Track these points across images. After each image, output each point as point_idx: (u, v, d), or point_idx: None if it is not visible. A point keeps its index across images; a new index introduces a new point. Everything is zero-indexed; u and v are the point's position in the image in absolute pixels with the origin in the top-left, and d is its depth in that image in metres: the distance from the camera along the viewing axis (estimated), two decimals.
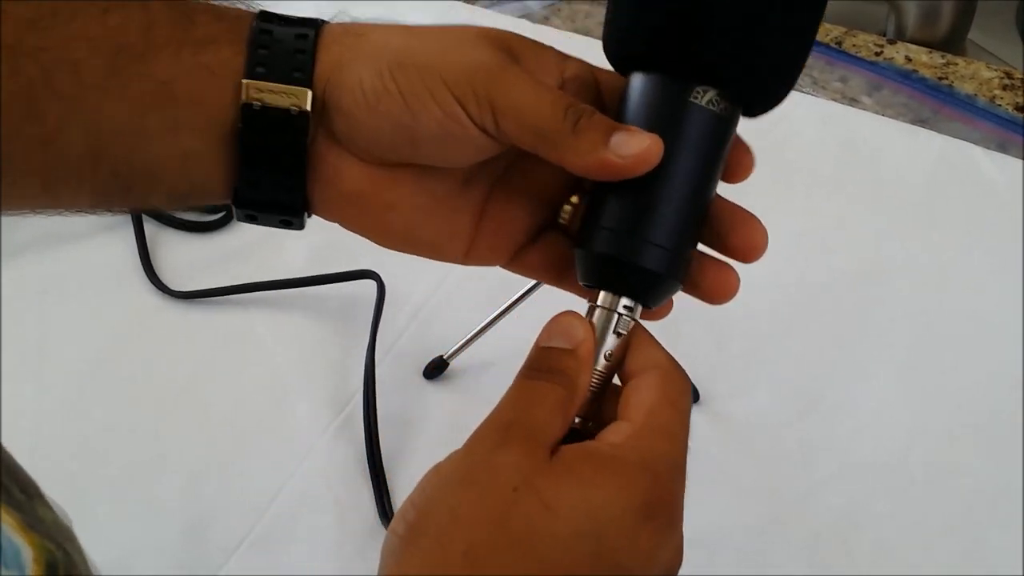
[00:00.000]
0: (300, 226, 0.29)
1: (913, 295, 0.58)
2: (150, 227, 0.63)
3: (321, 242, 0.61)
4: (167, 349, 0.56)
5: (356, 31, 0.28)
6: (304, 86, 0.26)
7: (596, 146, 0.26)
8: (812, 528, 0.47)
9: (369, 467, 0.49)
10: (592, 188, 0.28)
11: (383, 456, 0.50)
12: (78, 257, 0.62)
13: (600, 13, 0.82)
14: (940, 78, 0.75)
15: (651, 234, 0.27)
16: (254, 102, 0.26)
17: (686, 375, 0.27)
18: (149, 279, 0.60)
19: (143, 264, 0.60)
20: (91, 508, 0.49)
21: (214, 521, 0.48)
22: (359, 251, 0.61)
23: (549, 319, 0.27)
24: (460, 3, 0.84)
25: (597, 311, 0.28)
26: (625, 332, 0.27)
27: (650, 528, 0.24)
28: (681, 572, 0.46)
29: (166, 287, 0.59)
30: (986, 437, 0.50)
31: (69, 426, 0.52)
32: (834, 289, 0.58)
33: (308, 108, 0.26)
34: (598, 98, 0.29)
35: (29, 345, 0.56)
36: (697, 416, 0.52)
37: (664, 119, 0.27)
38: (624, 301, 0.27)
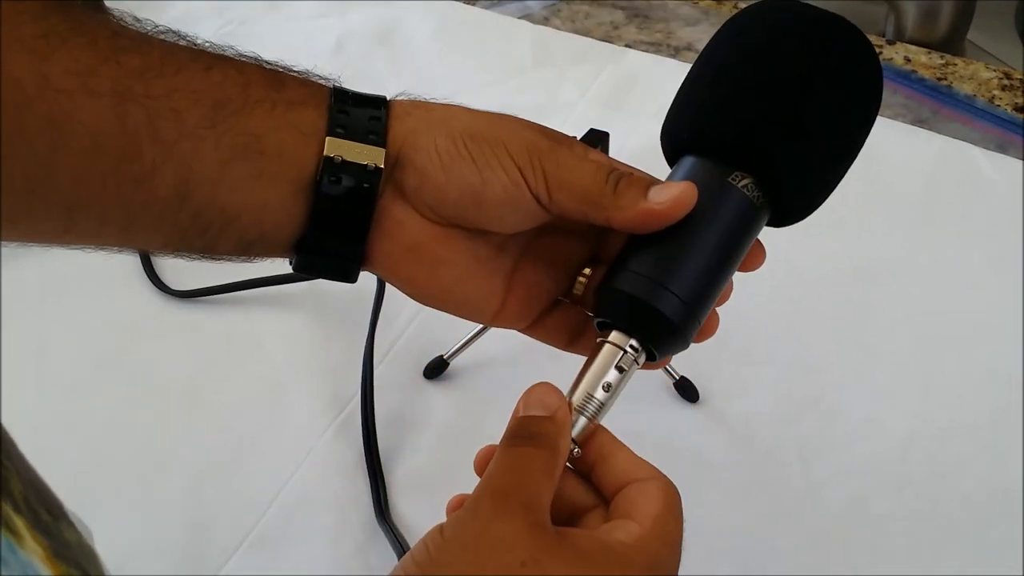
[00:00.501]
0: (354, 278, 0.32)
1: (912, 295, 0.58)
2: None
3: None
4: (168, 349, 0.56)
5: (424, 106, 0.31)
6: (379, 146, 0.29)
7: (636, 200, 0.29)
8: (812, 528, 0.47)
9: (367, 462, 0.49)
10: (626, 242, 0.31)
11: (383, 456, 0.50)
12: (78, 258, 0.62)
13: (600, 13, 0.82)
14: (939, 78, 0.75)
15: (673, 285, 0.29)
16: (335, 156, 0.28)
17: (677, 496, 0.30)
18: (150, 279, 0.60)
19: (143, 265, 0.61)
20: (91, 508, 0.49)
21: (214, 521, 0.48)
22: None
23: (525, 391, 0.29)
24: (460, 3, 0.84)
25: (605, 346, 0.29)
26: (627, 368, 0.29)
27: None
28: (681, 572, 0.46)
29: (167, 287, 0.59)
30: (986, 437, 0.50)
31: (69, 426, 0.52)
32: (834, 289, 0.58)
33: (382, 165, 0.29)
34: None
35: (29, 345, 0.56)
36: (697, 416, 0.52)
37: (703, 191, 0.29)
38: (632, 341, 0.29)
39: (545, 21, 0.83)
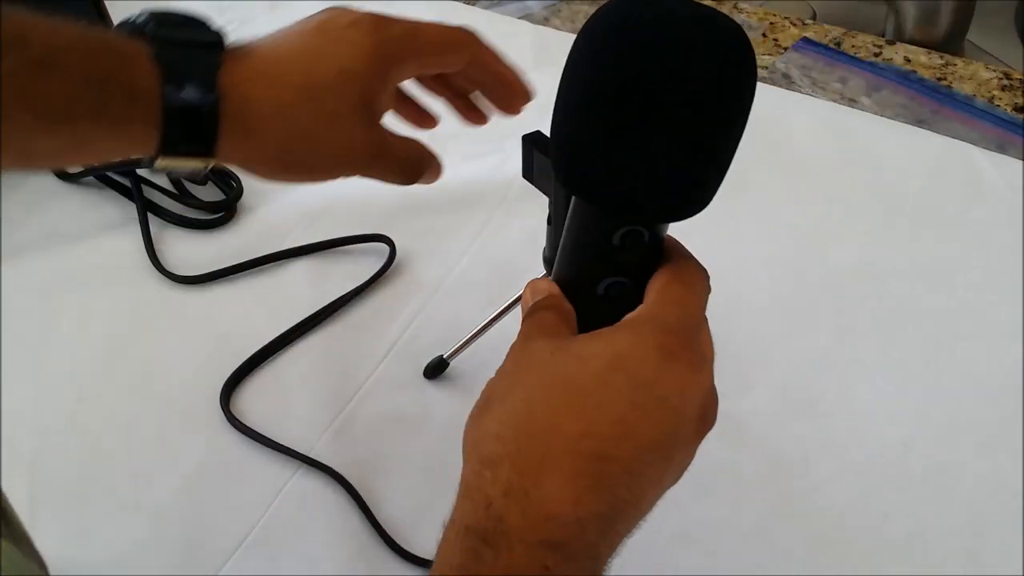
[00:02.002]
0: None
1: (912, 295, 0.58)
2: (154, 226, 0.63)
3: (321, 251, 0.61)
4: (169, 347, 0.56)
5: (249, 99, 0.33)
6: (207, 157, 0.33)
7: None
8: (812, 528, 0.47)
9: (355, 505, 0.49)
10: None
11: (383, 457, 0.50)
12: (82, 255, 0.62)
13: None
14: (939, 79, 0.75)
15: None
16: (166, 167, 0.32)
17: (700, 265, 0.33)
18: (156, 269, 0.60)
19: (149, 254, 0.61)
20: (92, 507, 0.49)
21: (214, 521, 0.48)
22: (362, 259, 0.61)
23: (527, 285, 0.34)
24: (460, 4, 0.84)
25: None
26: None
27: (675, 366, 0.28)
28: (681, 572, 0.46)
29: (172, 273, 0.60)
30: (986, 437, 0.50)
31: (70, 425, 0.52)
32: (834, 289, 0.58)
33: (205, 167, 0.33)
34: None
35: (30, 344, 0.56)
36: None
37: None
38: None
39: (545, 21, 0.83)
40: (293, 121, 0.33)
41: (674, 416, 0.28)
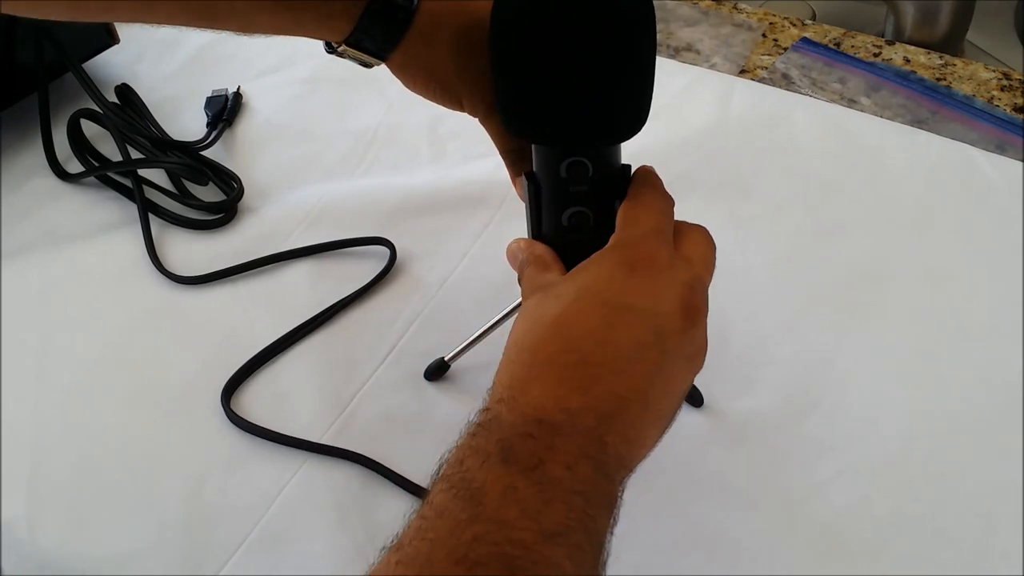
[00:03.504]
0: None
1: (912, 296, 0.58)
2: (155, 226, 0.63)
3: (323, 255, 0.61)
4: (169, 348, 0.56)
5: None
6: (381, 61, 0.43)
7: None
8: (812, 528, 0.47)
9: None
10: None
11: (384, 458, 0.50)
12: (82, 255, 0.62)
13: None
14: (938, 79, 0.75)
15: None
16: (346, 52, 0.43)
17: (659, 189, 0.37)
18: (157, 269, 0.60)
19: (149, 255, 0.61)
20: (92, 508, 0.49)
21: (214, 521, 0.48)
22: (362, 261, 0.61)
23: (508, 248, 0.40)
24: None
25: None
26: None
27: (637, 275, 0.33)
28: (681, 572, 0.46)
29: (172, 274, 0.60)
30: (986, 437, 0.50)
31: (70, 425, 0.52)
32: (833, 289, 0.59)
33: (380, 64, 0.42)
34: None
35: (30, 344, 0.56)
36: (697, 417, 0.52)
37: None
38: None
39: None
40: (467, 50, 0.40)
41: (648, 317, 0.32)
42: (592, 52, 0.34)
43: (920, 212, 0.63)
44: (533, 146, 0.38)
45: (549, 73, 0.35)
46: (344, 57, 0.43)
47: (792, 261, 0.60)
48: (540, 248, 0.38)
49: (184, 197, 0.65)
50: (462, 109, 0.44)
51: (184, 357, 0.56)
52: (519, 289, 0.51)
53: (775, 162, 0.67)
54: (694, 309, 0.33)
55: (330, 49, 0.43)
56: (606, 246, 0.35)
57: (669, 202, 0.37)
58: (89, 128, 0.67)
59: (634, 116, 0.36)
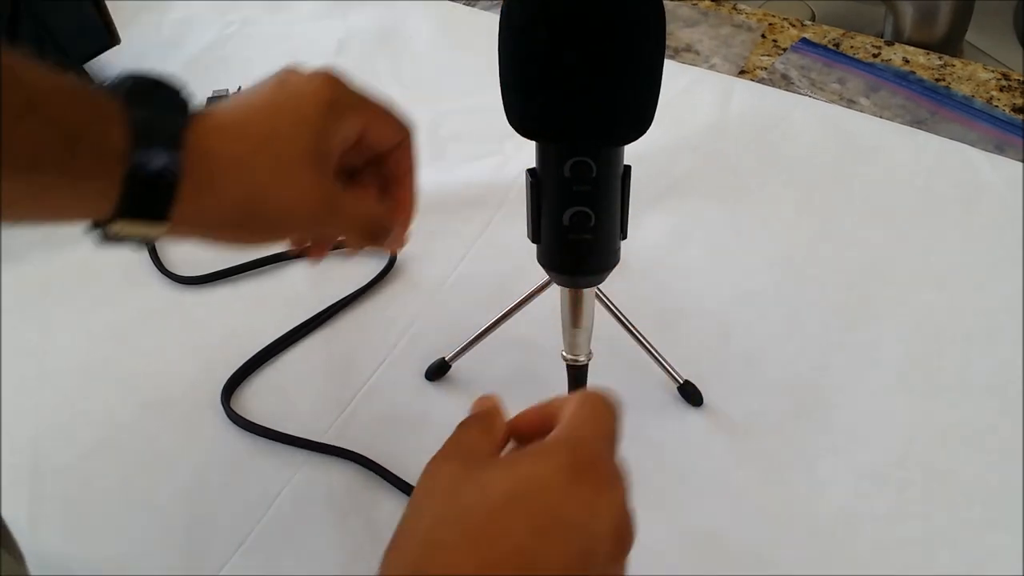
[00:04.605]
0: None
1: (912, 296, 0.58)
2: None
3: None
4: (170, 348, 0.56)
5: (210, 154, 0.33)
6: (160, 224, 0.32)
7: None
8: (812, 528, 0.47)
9: None
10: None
11: (385, 458, 0.50)
12: (83, 255, 0.62)
13: None
14: (937, 79, 0.75)
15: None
16: (118, 232, 0.32)
17: (608, 397, 0.32)
18: (158, 269, 0.60)
19: (150, 255, 0.61)
20: (92, 507, 0.49)
21: (214, 521, 0.48)
22: (363, 261, 0.61)
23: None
24: (460, 3, 0.84)
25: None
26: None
27: (582, 487, 0.27)
28: (682, 572, 0.46)
29: (173, 274, 0.60)
30: (986, 437, 0.51)
31: (70, 426, 0.52)
32: (833, 289, 0.59)
33: (157, 235, 0.33)
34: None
35: (30, 344, 0.56)
36: (698, 417, 0.52)
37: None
38: None
39: None
40: (249, 172, 0.33)
41: (584, 537, 0.27)
42: (599, 52, 0.34)
43: (920, 212, 0.63)
44: (537, 145, 0.38)
45: (556, 73, 0.35)
46: (114, 239, 0.33)
47: (792, 261, 0.61)
48: (500, 423, 0.33)
49: None
50: (295, 228, 0.37)
51: (184, 357, 0.56)
52: (519, 289, 0.52)
53: (775, 162, 0.67)
54: (628, 536, 0.29)
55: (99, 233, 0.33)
56: (545, 442, 0.30)
57: (618, 409, 0.32)
58: None
59: (641, 117, 0.36)
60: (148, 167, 0.31)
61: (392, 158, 0.40)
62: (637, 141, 0.37)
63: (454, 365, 0.54)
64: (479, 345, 0.53)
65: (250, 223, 0.34)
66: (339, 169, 0.37)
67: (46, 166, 0.29)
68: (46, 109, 0.29)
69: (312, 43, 0.79)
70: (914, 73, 0.76)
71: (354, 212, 0.38)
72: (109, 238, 0.32)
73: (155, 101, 0.33)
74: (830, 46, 0.79)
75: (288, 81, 0.36)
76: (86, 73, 0.69)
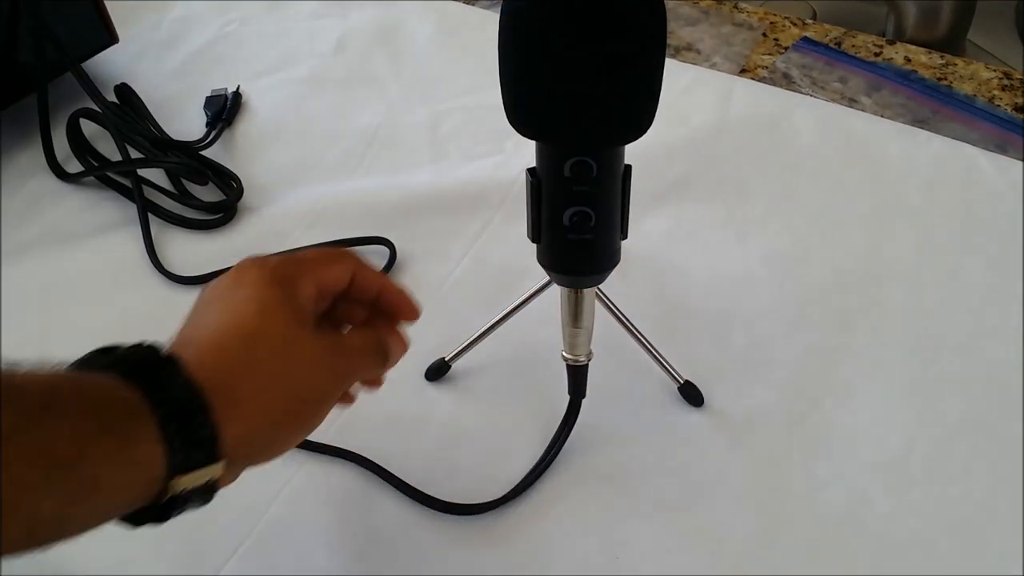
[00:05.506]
0: None
1: (912, 296, 0.58)
2: (155, 226, 0.63)
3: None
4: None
5: (225, 385, 0.32)
6: (217, 461, 0.31)
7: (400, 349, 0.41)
8: (812, 528, 0.47)
9: None
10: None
11: (385, 458, 0.50)
12: (82, 255, 0.62)
13: None
14: (939, 79, 0.75)
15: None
16: (181, 491, 0.31)
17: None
18: (157, 269, 0.60)
19: (149, 255, 0.61)
20: None
21: (214, 521, 0.48)
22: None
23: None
24: (460, 3, 0.84)
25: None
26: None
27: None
28: (682, 572, 0.46)
29: (172, 274, 0.60)
30: (986, 437, 0.50)
31: None
32: (833, 289, 0.59)
33: (220, 473, 0.32)
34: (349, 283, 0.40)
35: (30, 345, 0.56)
36: (698, 417, 0.52)
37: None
38: None
39: None
40: (262, 374, 0.34)
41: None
42: (600, 52, 0.34)
43: (920, 212, 0.63)
44: (537, 144, 0.38)
45: (557, 72, 0.35)
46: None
47: (792, 261, 0.60)
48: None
49: (184, 197, 0.65)
50: (333, 389, 0.38)
51: None
52: (519, 289, 0.52)
53: (775, 161, 0.67)
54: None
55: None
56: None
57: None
58: (89, 128, 0.67)
59: (642, 117, 0.36)
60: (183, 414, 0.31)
61: (355, 288, 0.40)
62: (637, 141, 0.37)
63: (454, 365, 0.54)
64: (479, 345, 0.53)
65: (290, 416, 0.35)
66: (317, 321, 0.38)
67: (86, 455, 0.29)
68: (65, 402, 0.30)
69: (311, 42, 0.79)
70: (916, 72, 0.76)
71: (361, 343, 0.39)
72: (176, 502, 0.32)
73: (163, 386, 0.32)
74: (831, 45, 0.79)
75: (235, 285, 0.37)
76: (83, 72, 0.69)
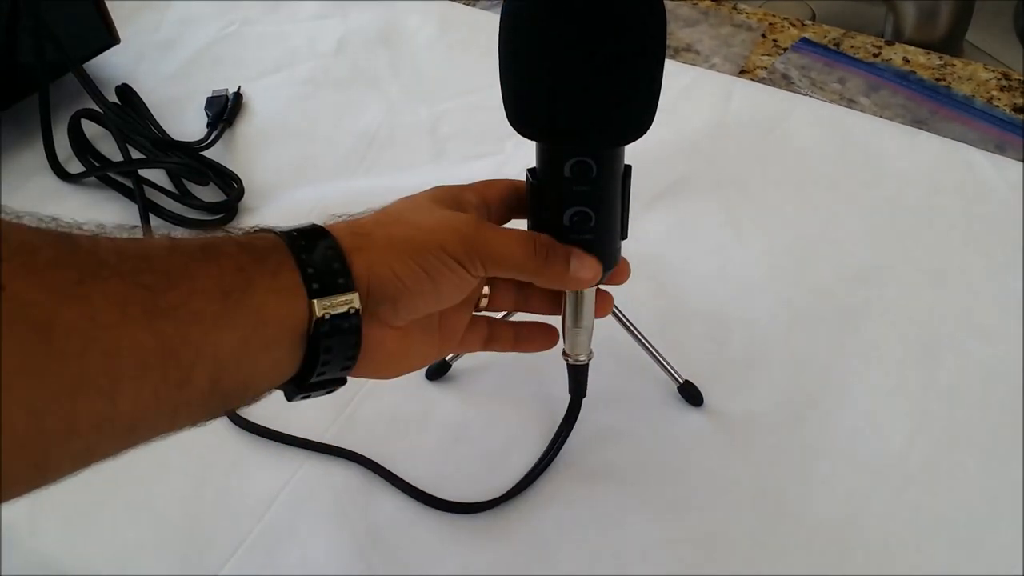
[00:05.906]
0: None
1: (912, 296, 0.58)
2: (155, 226, 0.63)
3: None
4: None
5: (364, 231, 0.36)
6: (352, 291, 0.34)
7: (563, 273, 0.39)
8: (812, 528, 0.47)
9: None
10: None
11: (385, 458, 0.50)
12: None
13: None
14: (938, 79, 0.75)
15: None
16: (323, 315, 0.33)
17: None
18: None
19: None
20: (91, 508, 0.49)
21: (214, 521, 0.48)
22: None
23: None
24: (460, 3, 0.84)
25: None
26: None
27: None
28: (682, 572, 0.46)
29: None
30: (986, 437, 0.51)
31: None
32: (833, 289, 0.59)
33: (359, 306, 0.34)
34: (513, 193, 0.42)
35: None
36: (697, 417, 0.52)
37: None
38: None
39: None
40: (387, 218, 0.38)
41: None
42: (600, 52, 0.34)
43: (920, 212, 0.63)
44: (537, 144, 0.38)
45: (556, 72, 0.35)
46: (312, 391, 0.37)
47: (792, 261, 0.61)
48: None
49: (184, 197, 0.65)
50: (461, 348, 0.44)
51: None
52: None
53: (774, 162, 0.67)
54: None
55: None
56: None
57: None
58: (90, 128, 0.67)
59: (642, 117, 0.36)
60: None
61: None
62: (637, 141, 0.37)
63: (454, 365, 0.54)
64: None
65: (417, 256, 0.36)
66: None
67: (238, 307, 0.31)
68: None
69: (312, 43, 0.80)
70: (914, 73, 0.76)
71: (506, 235, 0.39)
72: (321, 328, 0.33)
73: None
74: (830, 46, 0.79)
75: (434, 199, 0.41)
76: (84, 72, 0.69)
